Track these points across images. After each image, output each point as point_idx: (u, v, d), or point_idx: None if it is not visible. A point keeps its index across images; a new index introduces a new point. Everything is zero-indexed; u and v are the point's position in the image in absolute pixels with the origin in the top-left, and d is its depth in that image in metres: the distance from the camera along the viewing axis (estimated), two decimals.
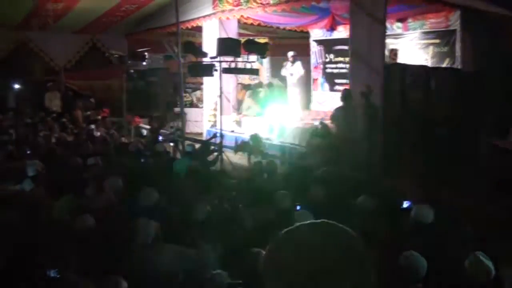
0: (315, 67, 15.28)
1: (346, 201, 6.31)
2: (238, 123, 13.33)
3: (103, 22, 16.00)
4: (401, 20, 12.88)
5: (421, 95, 8.54)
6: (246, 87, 16.61)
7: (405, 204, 5.55)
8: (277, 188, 6.61)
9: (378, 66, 9.23)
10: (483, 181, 7.38)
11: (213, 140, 10.00)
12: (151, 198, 5.47)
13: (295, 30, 16.00)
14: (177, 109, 17.00)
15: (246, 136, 12.68)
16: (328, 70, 14.92)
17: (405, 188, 6.26)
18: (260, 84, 16.44)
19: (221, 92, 9.87)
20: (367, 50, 9.46)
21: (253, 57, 8.99)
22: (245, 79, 17.33)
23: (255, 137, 9.94)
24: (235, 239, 5.02)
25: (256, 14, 12.54)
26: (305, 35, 15.78)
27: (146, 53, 12.01)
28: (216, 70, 9.19)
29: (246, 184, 7.08)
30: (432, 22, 12.38)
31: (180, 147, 10.29)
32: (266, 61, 17.33)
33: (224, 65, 9.08)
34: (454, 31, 11.96)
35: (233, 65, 8.95)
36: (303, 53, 15.60)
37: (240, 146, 9.42)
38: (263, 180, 7.34)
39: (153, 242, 4.34)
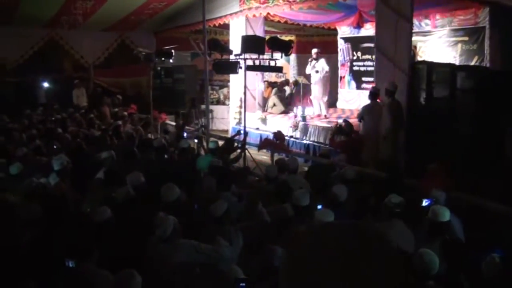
0: (342, 65, 15.21)
1: (368, 200, 6.31)
2: (263, 120, 13.36)
3: (132, 20, 16.21)
4: (429, 16, 12.70)
5: (447, 93, 8.40)
6: (272, 84, 16.66)
7: (425, 203, 5.49)
8: (298, 186, 6.68)
9: (404, 64, 9.11)
10: (508, 182, 7.23)
11: (237, 138, 10.03)
12: (172, 193, 5.52)
13: (323, 27, 16.00)
14: (203, 106, 17.25)
15: (270, 134, 12.73)
16: (355, 68, 14.84)
17: (427, 187, 6.17)
18: (286, 82, 16.48)
19: (245, 90, 9.88)
20: (392, 47, 9.35)
21: (277, 55, 8.97)
22: (272, 76, 17.38)
23: (278, 135, 9.93)
24: (252, 236, 5.04)
25: (283, 11, 12.54)
26: (333, 33, 15.74)
27: (172, 51, 12.07)
28: (240, 67, 9.20)
29: (266, 181, 7.08)
30: (461, 19, 12.18)
31: (204, 144, 10.38)
32: (292, 58, 17.35)
33: (249, 62, 9.09)
34: (483, 28, 11.76)
35: (258, 62, 8.92)
36: (330, 51, 15.57)
37: (264, 144, 9.41)
38: (284, 177, 7.32)
39: (171, 237, 4.38)
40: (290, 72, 17.46)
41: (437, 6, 11.97)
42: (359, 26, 13.58)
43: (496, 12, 11.60)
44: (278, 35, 17.03)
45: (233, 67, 9.20)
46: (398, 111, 8.99)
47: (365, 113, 9.47)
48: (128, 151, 7.83)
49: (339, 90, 15.37)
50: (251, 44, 8.82)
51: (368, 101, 9.65)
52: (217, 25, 14.56)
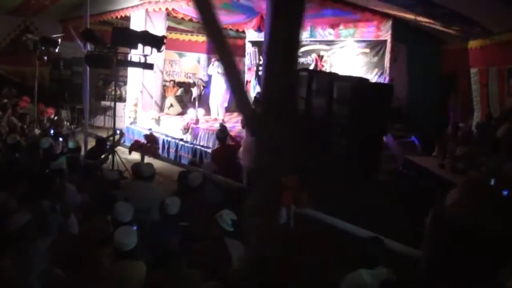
0: (249, 69, 14.77)
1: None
2: (157, 121, 12.67)
3: (33, 4, 15.12)
4: (333, 26, 12.43)
5: (324, 103, 8.04)
6: (180, 84, 16.03)
7: None
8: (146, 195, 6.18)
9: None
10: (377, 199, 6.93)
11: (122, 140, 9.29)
12: None
13: (236, 30, 15.51)
14: (104, 103, 16.38)
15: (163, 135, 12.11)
16: (260, 73, 14.40)
17: None
18: (194, 83, 15.88)
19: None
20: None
21: (160, 52, 8.38)
22: (181, 77, 16.78)
23: (149, 137, 9.29)
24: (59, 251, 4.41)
25: (181, 7, 11.93)
26: (244, 36, 15.28)
27: (59, 40, 11.20)
28: (116, 62, 8.50)
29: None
30: (363, 31, 11.99)
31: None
32: (203, 59, 16.80)
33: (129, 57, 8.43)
34: (384, 41, 11.57)
35: (130, 58, 8.28)
36: (240, 54, 15.09)
37: (133, 146, 8.73)
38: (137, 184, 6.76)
39: None
40: (200, 73, 16.86)
41: (341, 15, 11.68)
42: (260, 29, 13.14)
43: (400, 27, 11.48)
44: (188, 34, 16.57)
45: (106, 61, 8.45)
46: None
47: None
48: None
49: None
50: (122, 37, 8.13)
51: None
52: (119, 17, 13.78)
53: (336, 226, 5.55)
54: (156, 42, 8.07)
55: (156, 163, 8.96)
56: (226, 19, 12.90)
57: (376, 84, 8.93)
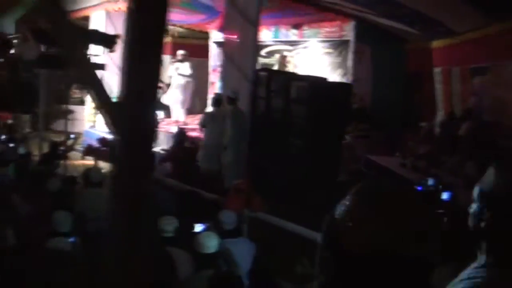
0: (214, 70, 14.51)
1: None
2: None
3: None
4: (297, 26, 12.29)
5: (282, 104, 7.88)
6: None
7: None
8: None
9: (247, 71, 8.53)
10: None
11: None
12: None
13: (200, 31, 15.25)
14: (66, 106, 15.91)
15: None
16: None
17: (230, 207, 5.50)
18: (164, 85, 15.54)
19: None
20: (239, 52, 8.75)
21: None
22: None
23: (102, 141, 9.01)
24: None
25: None
26: (208, 36, 15.03)
27: (13, 40, 10.82)
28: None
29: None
30: (327, 31, 11.88)
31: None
32: (167, 61, 16.45)
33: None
34: (347, 41, 11.46)
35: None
36: (205, 55, 14.85)
37: (87, 151, 8.43)
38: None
39: None
40: (165, 74, 16.51)
41: (305, 16, 11.56)
42: (223, 30, 12.91)
43: (363, 27, 11.39)
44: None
45: (57, 62, 8.10)
46: (240, 121, 8.37)
47: (207, 121, 8.77)
48: None
49: (210, 96, 14.65)
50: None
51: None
52: (79, 17, 13.41)
53: (288, 229, 5.36)
54: (107, 41, 7.78)
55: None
56: (185, 18, 12.68)
57: (334, 83, 8.80)
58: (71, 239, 4.57)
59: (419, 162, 8.44)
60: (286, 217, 6.11)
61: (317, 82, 8.13)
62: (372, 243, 1.18)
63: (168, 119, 12.48)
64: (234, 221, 4.92)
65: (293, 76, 8.87)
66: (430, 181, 5.24)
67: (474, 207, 1.83)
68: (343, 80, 11.24)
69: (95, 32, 8.47)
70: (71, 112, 15.38)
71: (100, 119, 12.97)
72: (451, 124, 9.91)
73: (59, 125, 15.63)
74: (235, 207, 5.48)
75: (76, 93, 15.53)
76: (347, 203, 1.27)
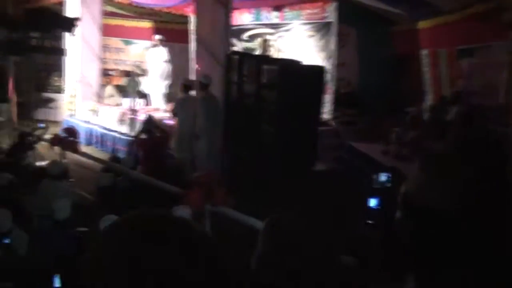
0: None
1: None
2: (95, 112, 11.90)
3: None
4: (278, 8, 11.80)
5: (253, 88, 7.45)
6: (128, 73, 15.21)
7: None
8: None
9: (219, 55, 8.10)
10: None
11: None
12: None
13: (181, 15, 14.74)
14: (47, 94, 15.48)
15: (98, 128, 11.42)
16: None
17: (191, 200, 5.10)
18: (143, 71, 15.09)
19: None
20: (211, 36, 8.30)
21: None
22: (129, 65, 15.96)
23: (69, 131, 8.58)
24: None
25: None
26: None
27: None
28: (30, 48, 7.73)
29: None
30: (309, 13, 11.37)
31: None
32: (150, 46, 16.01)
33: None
34: (330, 23, 10.98)
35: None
36: (187, 40, 14.36)
37: (53, 140, 8.01)
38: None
39: None
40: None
41: None
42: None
43: (346, 8, 10.91)
44: (134, 20, 15.75)
45: (18, 48, 7.66)
46: (213, 107, 7.94)
47: (178, 108, 8.34)
48: None
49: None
50: (32, 20, 7.36)
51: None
52: (56, 2, 12.91)
53: (253, 225, 4.96)
54: (66, 24, 7.32)
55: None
56: (162, 2, 12.24)
57: (306, 66, 8.32)
58: (6, 240, 4.18)
59: (403, 149, 8.04)
60: (257, 209, 5.75)
61: (288, 66, 7.67)
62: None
63: (148, 107, 12.04)
64: (188, 218, 4.53)
65: (265, 59, 8.42)
66: (383, 176, 4.26)
67: (397, 215, 1.43)
68: (327, 64, 10.79)
69: (55, 15, 7.97)
70: (52, 100, 15.01)
71: (79, 107, 12.58)
72: (441, 109, 9.52)
73: (40, 113, 15.25)
74: (194, 202, 5.10)
75: (56, 80, 15.06)
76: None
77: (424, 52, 10.73)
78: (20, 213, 4.95)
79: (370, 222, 3.47)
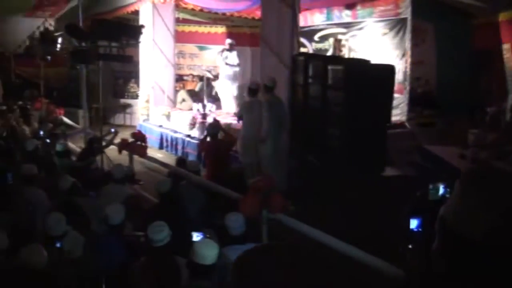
0: None
1: None
2: (168, 117, 12.07)
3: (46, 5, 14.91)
4: (350, 7, 11.43)
5: (319, 90, 7.18)
6: (201, 78, 15.40)
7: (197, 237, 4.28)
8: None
9: (286, 57, 7.90)
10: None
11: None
12: None
13: (253, 18, 14.70)
14: (124, 100, 15.94)
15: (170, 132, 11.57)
16: None
17: (247, 207, 4.94)
18: (216, 76, 15.22)
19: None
20: (276, 38, 8.13)
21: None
22: (202, 71, 16.16)
23: (137, 135, 8.66)
24: None
25: None
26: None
27: (59, 37, 10.80)
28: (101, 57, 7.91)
29: None
30: (381, 9, 10.91)
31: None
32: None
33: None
34: (404, 19, 10.47)
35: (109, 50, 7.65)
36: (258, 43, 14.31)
37: (121, 145, 8.12)
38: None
39: None
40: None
41: None
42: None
43: (421, 3, 10.37)
44: (208, 26, 15.90)
45: (87, 57, 7.85)
46: (278, 110, 7.74)
47: (244, 112, 8.21)
48: None
49: None
50: (99, 30, 7.49)
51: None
52: (129, 12, 13.32)
53: (311, 236, 4.70)
54: (132, 32, 7.41)
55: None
56: (232, 6, 12.26)
57: (374, 65, 7.92)
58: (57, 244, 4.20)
59: (482, 153, 7.46)
60: (320, 217, 5.50)
61: (354, 65, 7.35)
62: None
63: (218, 111, 12.07)
64: (241, 225, 4.38)
65: (330, 60, 8.13)
66: (442, 189, 3.24)
67: (435, 243, 1.21)
68: (402, 62, 10.31)
69: (121, 23, 8.13)
70: (128, 106, 15.47)
71: (153, 112, 12.83)
72: None
73: (117, 119, 15.77)
74: (250, 209, 4.93)
75: (132, 87, 15.52)
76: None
77: (505, 46, 9.96)
78: (78, 216, 5.00)
79: (410, 247, 2.89)
